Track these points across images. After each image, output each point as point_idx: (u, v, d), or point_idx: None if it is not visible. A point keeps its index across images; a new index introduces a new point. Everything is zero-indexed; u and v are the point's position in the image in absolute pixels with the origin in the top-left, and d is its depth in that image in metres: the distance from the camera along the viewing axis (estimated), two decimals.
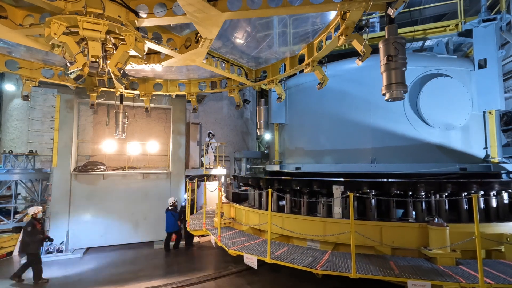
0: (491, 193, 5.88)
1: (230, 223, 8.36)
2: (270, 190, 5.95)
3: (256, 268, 5.69)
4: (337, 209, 6.08)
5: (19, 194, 11.31)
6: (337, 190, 6.03)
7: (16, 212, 10.91)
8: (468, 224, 5.43)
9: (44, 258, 9.14)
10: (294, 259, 5.35)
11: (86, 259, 9.27)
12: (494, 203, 5.92)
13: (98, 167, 10.63)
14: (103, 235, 10.52)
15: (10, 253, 9.81)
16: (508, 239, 5.11)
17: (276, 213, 6.91)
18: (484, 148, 7.12)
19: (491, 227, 5.35)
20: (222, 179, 13.63)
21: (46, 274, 7.56)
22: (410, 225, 5.45)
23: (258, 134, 10.64)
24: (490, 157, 6.99)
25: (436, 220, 5.08)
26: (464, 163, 6.91)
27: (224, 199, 9.19)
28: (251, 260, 5.65)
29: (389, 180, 6.36)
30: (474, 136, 7.15)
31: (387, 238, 5.46)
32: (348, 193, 4.97)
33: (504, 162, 6.95)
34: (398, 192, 5.94)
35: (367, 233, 5.44)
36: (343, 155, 7.75)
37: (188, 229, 8.57)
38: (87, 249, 10.17)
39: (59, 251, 9.50)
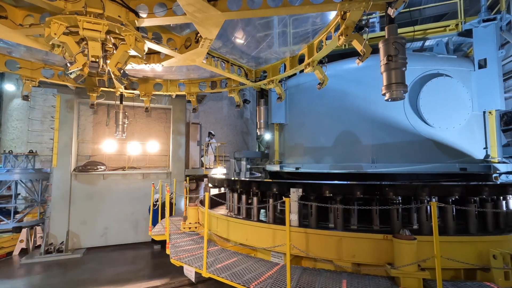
0: (474, 199, 4.85)
1: (196, 227, 7.62)
2: (207, 194, 5.42)
3: (194, 281, 5.14)
4: (293, 216, 5.23)
5: (19, 194, 11.31)
6: (294, 194, 5.27)
7: (16, 212, 10.92)
8: (446, 236, 4.42)
9: (44, 258, 9.15)
10: (234, 274, 4.55)
11: (86, 259, 9.27)
12: (478, 211, 4.85)
13: (98, 167, 10.64)
14: (103, 235, 10.53)
15: (10, 253, 9.81)
16: (495, 257, 4.03)
17: (232, 218, 6.18)
18: (484, 148, 7.12)
19: (473, 242, 4.33)
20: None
21: (46, 274, 7.56)
22: (373, 237, 4.46)
23: (258, 134, 10.63)
24: (490, 157, 6.98)
25: (402, 231, 4.12)
26: (464, 163, 6.91)
27: (195, 203, 8.38)
28: (190, 272, 5.09)
29: (353, 182, 5.52)
30: (474, 136, 7.15)
31: (348, 251, 4.57)
32: (284, 198, 4.27)
33: (504, 162, 6.95)
34: (364, 196, 5.07)
35: (326, 244, 4.67)
36: (343, 155, 7.75)
37: (149, 233, 8.02)
38: (87, 249, 10.17)
39: (59, 251, 9.49)
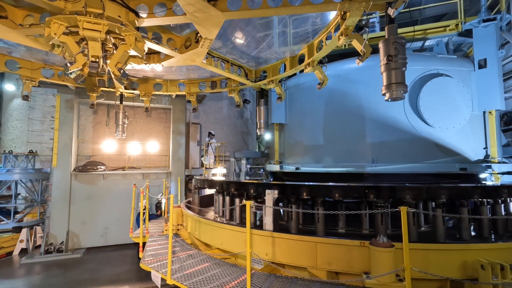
0: (463, 203, 4.47)
1: (179, 229, 7.34)
2: (171, 195, 5.13)
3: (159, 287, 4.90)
4: (267, 219, 4.89)
5: (19, 194, 11.31)
6: (269, 196, 4.96)
7: (16, 212, 10.92)
8: (426, 244, 4.00)
9: (44, 258, 9.15)
10: (199, 281, 4.23)
11: (86, 259, 9.27)
12: (466, 215, 4.47)
13: (98, 167, 10.64)
14: (103, 235, 10.53)
15: (10, 253, 9.81)
16: (484, 267, 3.55)
17: (204, 220, 5.96)
18: (484, 148, 7.12)
19: (459, 251, 3.87)
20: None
21: (46, 274, 7.56)
22: (349, 243, 4.11)
23: (258, 134, 10.63)
24: (490, 157, 6.98)
25: (379, 238, 3.70)
26: (464, 163, 6.90)
27: (180, 204, 8.13)
28: (156, 278, 4.84)
29: (332, 184, 5.27)
30: (474, 136, 7.15)
31: (323, 258, 4.21)
32: (245, 201, 4.03)
33: (504, 162, 6.95)
34: (344, 199, 4.83)
35: (300, 251, 4.33)
36: (343, 155, 7.74)
37: (130, 235, 7.81)
38: (87, 249, 10.18)
39: (59, 251, 9.50)
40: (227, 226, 5.35)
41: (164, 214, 7.91)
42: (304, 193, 4.84)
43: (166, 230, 7.19)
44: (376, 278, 3.55)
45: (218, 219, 6.23)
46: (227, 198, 6.10)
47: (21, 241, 10.02)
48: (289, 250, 4.45)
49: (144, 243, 6.70)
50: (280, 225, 5.14)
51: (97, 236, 10.41)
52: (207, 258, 5.31)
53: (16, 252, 9.87)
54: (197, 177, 7.72)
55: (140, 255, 5.75)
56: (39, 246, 10.06)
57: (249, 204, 4.04)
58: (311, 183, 5.18)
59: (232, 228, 5.25)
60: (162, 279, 4.64)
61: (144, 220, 7.35)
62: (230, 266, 4.87)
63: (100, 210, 10.52)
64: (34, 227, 10.39)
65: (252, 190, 5.38)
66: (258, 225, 5.44)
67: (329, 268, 4.20)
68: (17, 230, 10.15)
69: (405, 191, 4.41)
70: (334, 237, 4.33)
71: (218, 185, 6.35)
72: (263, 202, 5.06)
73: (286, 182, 5.42)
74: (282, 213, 5.76)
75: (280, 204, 5.30)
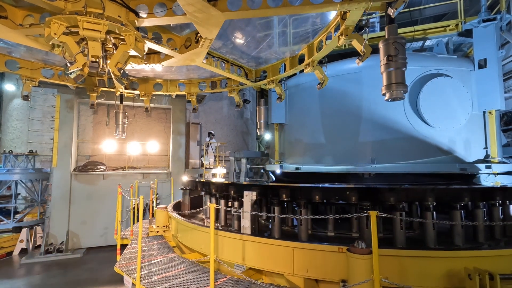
0: (454, 205, 4.25)
1: (164, 231, 7.07)
2: (141, 197, 4.88)
3: None
4: (245, 222, 4.64)
5: (19, 194, 11.32)
6: (247, 198, 4.69)
7: (16, 212, 10.93)
8: (407, 250, 3.70)
9: (44, 258, 9.15)
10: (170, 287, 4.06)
11: (86, 259, 9.28)
12: (459, 221, 4.23)
13: (98, 167, 10.65)
14: (103, 235, 10.53)
15: (10, 253, 9.82)
16: (471, 276, 3.24)
17: (183, 221, 5.74)
18: (484, 148, 7.12)
19: (444, 258, 3.53)
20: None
21: (46, 273, 7.56)
22: (327, 249, 3.84)
23: (258, 134, 10.64)
24: (490, 157, 6.98)
25: (357, 243, 3.44)
26: (464, 163, 6.90)
27: (165, 205, 7.85)
28: (128, 283, 4.68)
29: (313, 185, 5.00)
30: (474, 136, 7.15)
31: (300, 264, 3.94)
32: (209, 204, 3.92)
33: (504, 162, 6.95)
34: (325, 201, 4.60)
35: (278, 256, 4.06)
36: (343, 155, 7.74)
37: (114, 237, 7.64)
38: (87, 249, 10.17)
39: (59, 251, 9.50)
40: (205, 229, 5.00)
41: (150, 216, 7.76)
42: (284, 195, 4.59)
43: (151, 232, 7.00)
44: (353, 286, 3.28)
45: (205, 222, 6.05)
46: (213, 200, 5.93)
47: (21, 241, 10.02)
48: (266, 255, 4.18)
49: (127, 245, 6.46)
50: (267, 229, 4.96)
51: (97, 236, 10.41)
52: (184, 262, 4.96)
53: (16, 252, 9.87)
54: (183, 179, 7.48)
55: (118, 257, 5.45)
56: (39, 246, 10.06)
57: (213, 206, 3.94)
58: (290, 185, 4.95)
59: (209, 231, 4.93)
60: (133, 284, 4.45)
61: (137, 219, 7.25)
62: (204, 272, 4.55)
63: (100, 210, 10.52)
64: (34, 227, 10.39)
65: (232, 191, 5.17)
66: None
67: (306, 275, 3.90)
68: (17, 230, 10.16)
69: (388, 193, 4.15)
70: (312, 242, 4.04)
71: (201, 186, 6.14)
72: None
73: (265, 184, 5.24)
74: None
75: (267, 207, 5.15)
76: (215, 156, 13.30)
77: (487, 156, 7.04)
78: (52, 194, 9.91)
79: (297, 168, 8.73)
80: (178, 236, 6.03)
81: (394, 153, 7.15)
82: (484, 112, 7.20)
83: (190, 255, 5.33)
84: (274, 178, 10.04)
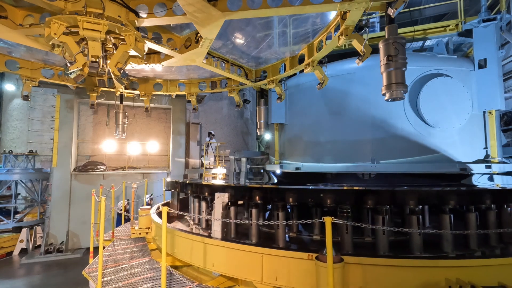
0: (444, 209, 3.93)
1: (147, 233, 6.80)
2: (102, 199, 4.64)
3: None
4: (216, 226, 4.34)
5: (19, 194, 11.32)
6: (218, 200, 4.44)
7: (16, 212, 10.93)
8: (382, 259, 3.37)
9: (44, 258, 9.16)
10: None
11: (86, 259, 9.27)
12: (447, 228, 3.89)
13: (98, 167, 10.65)
14: None
15: (10, 253, 9.82)
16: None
17: (158, 223, 5.43)
18: (484, 148, 7.12)
19: (422, 268, 3.20)
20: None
21: (46, 273, 7.56)
22: (295, 256, 3.54)
23: (258, 134, 10.63)
24: (490, 157, 6.98)
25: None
26: (464, 163, 6.90)
27: (149, 206, 7.73)
28: None
29: (286, 187, 4.75)
30: (474, 136, 7.15)
31: (269, 272, 3.67)
32: (162, 208, 3.67)
33: (504, 162, 6.95)
34: (301, 203, 4.35)
35: (248, 262, 3.81)
36: (343, 155, 7.74)
37: (96, 239, 7.29)
38: (87, 249, 10.17)
39: (59, 251, 9.50)
40: (179, 233, 4.74)
41: (131, 218, 7.47)
42: (257, 197, 4.30)
43: (133, 233, 6.75)
44: None
45: (192, 225, 5.88)
46: (196, 201, 5.75)
47: (21, 241, 10.02)
48: (236, 262, 3.93)
49: (104, 247, 6.06)
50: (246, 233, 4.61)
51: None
52: (153, 268, 4.67)
53: (16, 252, 9.87)
54: (168, 179, 7.17)
55: (90, 260, 5.19)
56: (39, 246, 10.06)
57: (165, 210, 3.69)
58: (264, 186, 4.74)
59: (184, 236, 4.63)
60: None
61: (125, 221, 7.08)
62: (178, 276, 4.29)
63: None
64: (34, 227, 10.39)
65: (207, 193, 4.98)
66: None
67: (276, 284, 3.63)
68: (17, 230, 10.16)
69: (367, 195, 3.83)
70: (279, 249, 3.75)
71: (179, 187, 5.92)
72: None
73: (237, 185, 4.88)
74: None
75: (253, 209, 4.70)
76: (215, 156, 13.30)
77: (487, 156, 7.04)
78: (52, 194, 9.91)
79: (297, 168, 8.73)
80: (156, 239, 5.80)
81: (394, 153, 7.15)
82: (484, 112, 7.20)
83: (170, 259, 5.08)
84: (275, 179, 10.04)
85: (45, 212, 10.28)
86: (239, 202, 5.32)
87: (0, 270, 8.31)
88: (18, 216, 10.70)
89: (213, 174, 12.58)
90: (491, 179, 6.87)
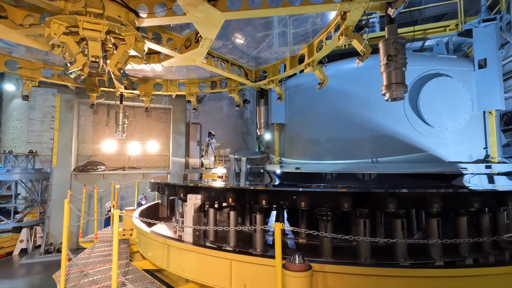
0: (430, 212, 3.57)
1: (131, 234, 6.56)
2: (66, 201, 4.26)
3: None
4: (187, 229, 4.15)
5: (19, 194, 11.32)
6: (190, 202, 4.23)
7: (16, 212, 10.93)
8: (364, 268, 3.04)
9: (44, 258, 9.16)
10: None
11: None
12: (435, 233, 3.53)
13: (98, 167, 10.65)
14: None
15: (10, 253, 9.82)
16: None
17: (139, 228, 5.23)
18: (484, 148, 7.12)
19: (411, 279, 2.83)
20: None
21: (46, 273, 7.56)
22: (263, 262, 3.29)
23: (258, 134, 10.64)
24: (490, 157, 6.99)
25: (293, 258, 2.87)
26: (465, 163, 6.91)
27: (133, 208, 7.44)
28: None
29: (258, 188, 4.53)
30: (474, 136, 7.15)
31: (238, 279, 3.45)
32: (113, 210, 3.50)
33: (504, 162, 6.95)
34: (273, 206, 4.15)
35: (217, 268, 3.58)
36: (343, 155, 7.75)
37: (79, 240, 7.27)
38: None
39: (59, 251, 9.50)
40: (152, 235, 4.57)
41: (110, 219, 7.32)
42: (230, 199, 4.07)
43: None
44: None
45: (176, 227, 5.60)
46: (180, 202, 5.49)
47: (21, 241, 10.02)
48: (205, 267, 3.74)
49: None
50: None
51: None
52: (128, 271, 4.45)
53: (16, 252, 9.87)
54: (152, 180, 6.70)
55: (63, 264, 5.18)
56: (39, 246, 10.07)
57: (117, 213, 3.51)
58: (238, 187, 4.49)
59: (154, 238, 4.47)
60: None
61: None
62: (149, 282, 4.06)
63: (100, 210, 10.51)
64: (34, 227, 10.40)
65: (181, 194, 4.79)
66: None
67: None
68: (17, 230, 10.16)
69: (344, 197, 3.48)
70: (250, 255, 3.48)
71: (156, 188, 5.69)
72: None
73: (211, 186, 4.62)
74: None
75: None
76: (215, 156, 13.30)
77: (487, 156, 7.05)
78: (52, 194, 9.91)
79: (297, 168, 8.73)
80: (136, 242, 5.65)
81: (394, 153, 7.15)
82: (484, 112, 7.20)
83: (139, 263, 4.96)
84: (277, 180, 10.03)
85: (45, 212, 10.28)
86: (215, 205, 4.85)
87: (0, 270, 8.31)
88: (18, 216, 10.70)
89: (213, 174, 12.59)
90: (490, 179, 6.86)
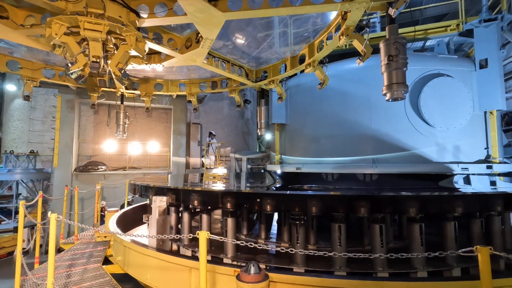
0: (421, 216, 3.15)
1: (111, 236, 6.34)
2: (22, 202, 4.12)
3: None
4: (151, 232, 3.99)
5: (20, 194, 11.34)
6: (155, 204, 4.04)
7: (17, 212, 10.94)
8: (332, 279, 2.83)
9: (45, 258, 9.16)
10: None
11: None
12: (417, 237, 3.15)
13: (99, 167, 10.66)
14: None
15: (11, 253, 9.84)
16: None
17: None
18: (485, 148, 7.11)
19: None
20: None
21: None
22: (222, 271, 3.10)
23: (259, 134, 10.65)
24: (491, 157, 6.97)
25: (247, 267, 2.68)
26: (465, 164, 6.90)
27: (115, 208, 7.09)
28: None
29: (226, 190, 4.39)
30: (475, 136, 7.14)
31: None
32: (50, 214, 3.28)
33: (505, 162, 6.93)
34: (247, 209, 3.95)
35: (176, 277, 3.44)
36: (344, 155, 7.74)
37: (61, 241, 7.18)
38: None
39: (60, 251, 9.51)
40: (119, 239, 4.43)
41: (95, 220, 7.08)
42: (195, 202, 3.77)
43: (98, 237, 6.35)
44: None
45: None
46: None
47: (22, 241, 10.03)
48: (166, 275, 3.57)
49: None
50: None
51: None
52: (92, 276, 4.27)
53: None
54: (131, 181, 6.34)
55: (35, 266, 4.80)
56: (40, 246, 10.08)
57: (54, 217, 3.24)
58: (204, 189, 4.31)
59: (119, 241, 4.33)
60: None
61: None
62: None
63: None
64: (35, 227, 10.41)
65: (151, 195, 4.54)
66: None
67: None
68: None
69: (312, 201, 3.12)
70: (211, 263, 3.26)
71: (133, 189, 5.58)
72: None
73: (179, 188, 4.31)
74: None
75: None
76: (215, 156, 13.31)
77: (488, 156, 7.03)
78: (53, 194, 9.93)
79: (297, 169, 8.73)
80: (112, 244, 5.56)
81: (395, 153, 7.14)
82: (485, 112, 7.19)
83: (110, 267, 4.85)
84: (278, 178, 10.02)
85: (46, 212, 10.29)
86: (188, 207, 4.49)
87: (0, 270, 8.32)
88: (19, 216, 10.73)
89: (214, 173, 12.58)
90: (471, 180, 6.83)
